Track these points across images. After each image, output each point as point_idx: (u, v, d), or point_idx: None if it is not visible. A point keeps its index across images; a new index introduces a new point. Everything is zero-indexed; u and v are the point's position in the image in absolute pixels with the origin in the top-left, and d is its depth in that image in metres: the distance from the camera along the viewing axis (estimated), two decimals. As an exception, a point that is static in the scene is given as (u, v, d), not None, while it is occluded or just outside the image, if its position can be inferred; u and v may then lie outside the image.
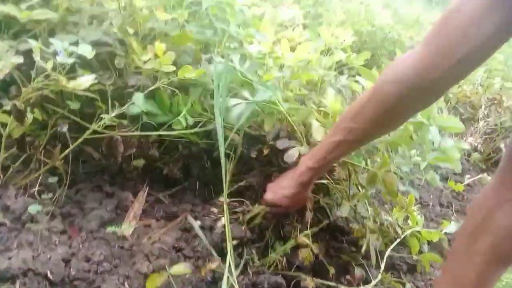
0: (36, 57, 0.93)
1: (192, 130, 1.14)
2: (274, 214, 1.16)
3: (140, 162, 1.16)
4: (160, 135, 1.16)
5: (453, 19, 0.69)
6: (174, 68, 1.10)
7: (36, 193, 0.99)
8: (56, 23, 1.13)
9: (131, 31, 1.13)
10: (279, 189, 1.08)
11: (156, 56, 1.10)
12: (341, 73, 1.65)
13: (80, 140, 1.02)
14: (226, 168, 1.10)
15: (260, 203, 1.14)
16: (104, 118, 1.03)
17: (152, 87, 1.10)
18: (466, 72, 0.75)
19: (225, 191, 1.07)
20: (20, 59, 0.94)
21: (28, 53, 0.97)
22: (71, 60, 0.88)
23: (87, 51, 0.93)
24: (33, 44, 0.90)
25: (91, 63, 1.14)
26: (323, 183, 1.22)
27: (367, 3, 3.41)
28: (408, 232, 1.27)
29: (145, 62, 1.09)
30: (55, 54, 0.90)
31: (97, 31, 1.11)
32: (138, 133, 1.08)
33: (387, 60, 3.06)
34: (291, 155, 1.12)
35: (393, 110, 0.81)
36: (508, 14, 0.64)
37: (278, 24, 1.80)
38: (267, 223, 1.16)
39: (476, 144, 2.23)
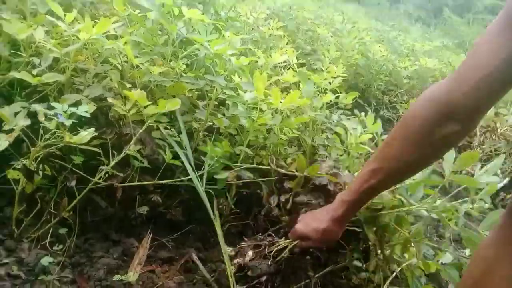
0: (41, 118, 1.02)
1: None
2: (302, 248, 1.12)
3: (144, 209, 1.23)
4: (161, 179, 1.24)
5: (476, 49, 0.79)
6: (160, 110, 1.16)
7: (47, 244, 1.06)
8: (64, 83, 1.23)
9: (128, 85, 1.22)
10: (312, 222, 1.06)
11: (136, 103, 1.17)
12: (334, 110, 1.74)
13: (84, 192, 1.10)
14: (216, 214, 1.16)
15: (289, 236, 1.12)
16: (103, 170, 1.11)
17: (141, 130, 1.18)
18: (487, 99, 0.79)
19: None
20: (27, 121, 1.03)
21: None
22: (70, 122, 0.97)
23: (85, 111, 1.02)
24: (38, 108, 0.99)
25: (95, 116, 1.24)
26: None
27: (361, 36, 3.54)
28: (404, 265, 1.30)
29: (128, 110, 1.17)
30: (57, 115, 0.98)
31: (99, 88, 1.21)
32: (136, 183, 1.15)
33: (380, 93, 3.17)
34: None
35: (422, 134, 0.84)
36: None
37: (272, 68, 1.90)
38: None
39: (472, 172, 2.26)
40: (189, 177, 1.20)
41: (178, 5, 1.81)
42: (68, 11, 1.62)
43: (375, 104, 3.08)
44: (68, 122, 0.95)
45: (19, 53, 1.21)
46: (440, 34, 10.58)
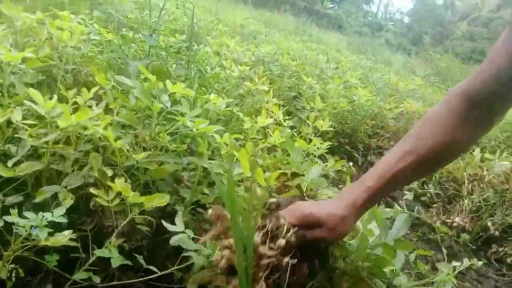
0: (15, 222, 0.95)
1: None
2: (304, 240, 0.83)
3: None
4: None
5: (494, 47, 0.90)
6: (142, 199, 1.11)
7: None
8: (42, 170, 1.17)
9: (109, 172, 1.17)
10: (325, 204, 0.87)
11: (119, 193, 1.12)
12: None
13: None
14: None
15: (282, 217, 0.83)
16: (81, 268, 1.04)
17: (124, 222, 1.12)
18: (502, 89, 0.88)
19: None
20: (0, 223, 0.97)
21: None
22: (45, 234, 0.90)
23: (61, 215, 0.96)
24: (10, 219, 0.92)
25: (76, 204, 1.18)
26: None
27: (346, 79, 3.58)
28: None
29: (111, 200, 1.12)
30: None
31: (78, 177, 1.16)
32: (117, 282, 1.09)
33: (367, 137, 3.17)
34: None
35: (449, 121, 0.92)
36: None
37: (258, 130, 1.87)
38: None
39: (463, 224, 2.25)
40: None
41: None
42: (50, 82, 1.60)
43: (362, 149, 3.08)
44: (43, 235, 0.89)
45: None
46: (420, 63, 10.84)
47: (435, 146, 0.90)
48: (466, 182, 2.46)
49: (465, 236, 2.21)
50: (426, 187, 2.73)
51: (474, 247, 2.20)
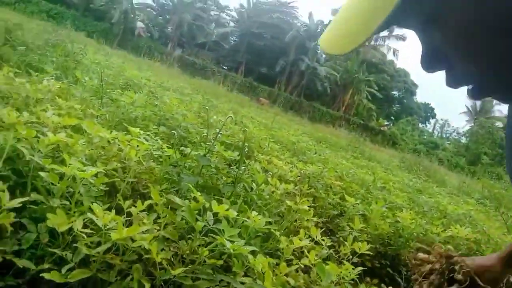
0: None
1: None
2: None
3: None
4: None
5: None
6: None
7: None
8: (89, 277, 1.32)
9: (147, 285, 1.29)
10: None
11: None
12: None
13: None
14: None
15: None
16: None
17: None
18: None
19: None
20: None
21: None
22: None
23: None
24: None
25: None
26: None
27: (391, 200, 3.59)
28: None
29: None
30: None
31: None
32: None
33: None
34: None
35: None
36: None
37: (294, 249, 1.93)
38: None
39: None
40: None
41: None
42: (111, 191, 1.82)
43: (405, 273, 2.96)
44: None
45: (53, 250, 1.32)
46: (478, 184, 10.45)
47: None
48: None
49: None
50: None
51: None
